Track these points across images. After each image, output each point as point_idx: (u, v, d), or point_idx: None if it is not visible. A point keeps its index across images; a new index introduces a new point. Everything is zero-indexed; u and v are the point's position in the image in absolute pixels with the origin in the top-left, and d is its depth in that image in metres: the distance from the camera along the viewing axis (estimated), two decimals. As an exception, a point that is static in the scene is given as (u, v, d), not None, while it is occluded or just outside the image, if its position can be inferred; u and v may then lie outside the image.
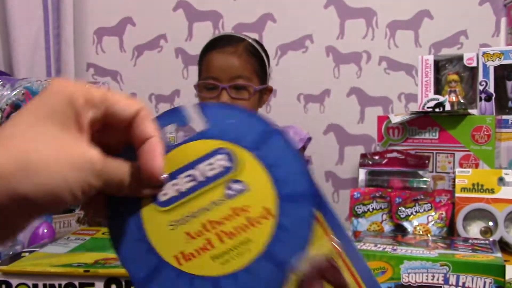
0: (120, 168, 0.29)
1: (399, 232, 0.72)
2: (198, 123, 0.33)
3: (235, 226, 0.31)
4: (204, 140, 0.33)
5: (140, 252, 0.32)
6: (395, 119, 0.87)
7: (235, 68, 1.16)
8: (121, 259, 0.32)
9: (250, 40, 1.24)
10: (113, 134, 0.31)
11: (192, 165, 0.32)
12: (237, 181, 0.32)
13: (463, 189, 0.72)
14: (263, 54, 1.24)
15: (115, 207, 0.32)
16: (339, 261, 0.31)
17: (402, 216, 0.72)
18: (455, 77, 1.01)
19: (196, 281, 0.31)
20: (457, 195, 0.72)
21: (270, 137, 0.32)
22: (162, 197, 0.32)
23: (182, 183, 0.32)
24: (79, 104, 0.28)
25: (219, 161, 0.32)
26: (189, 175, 0.32)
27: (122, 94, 0.30)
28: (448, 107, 0.98)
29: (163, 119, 0.33)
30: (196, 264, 0.31)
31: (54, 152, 0.26)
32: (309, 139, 1.36)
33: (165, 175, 0.31)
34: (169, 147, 0.32)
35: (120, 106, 0.30)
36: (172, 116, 0.33)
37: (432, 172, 0.85)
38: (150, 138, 0.30)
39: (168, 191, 0.32)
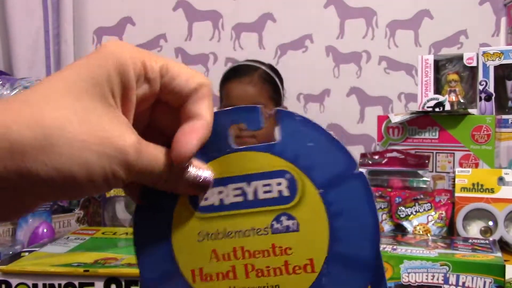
0: (157, 160, 0.24)
1: (399, 231, 0.72)
2: (271, 132, 0.28)
3: (268, 265, 0.27)
4: (271, 155, 0.28)
5: (159, 253, 0.29)
6: (395, 118, 0.87)
7: (251, 97, 1.31)
8: (137, 253, 0.29)
9: (264, 68, 1.39)
10: (169, 113, 0.26)
11: (247, 178, 0.28)
12: (290, 216, 0.27)
13: (463, 189, 0.72)
14: (277, 79, 1.40)
15: (149, 195, 0.28)
16: None
17: (402, 215, 0.72)
18: (455, 76, 1.01)
19: None
20: (457, 194, 0.72)
21: (349, 181, 0.27)
22: (202, 201, 0.28)
23: (229, 194, 0.28)
24: (131, 76, 0.23)
25: (279, 186, 0.27)
26: (239, 188, 0.28)
27: (184, 66, 0.26)
28: (448, 107, 0.98)
29: (236, 114, 0.28)
30: (211, 287, 0.28)
31: (83, 132, 0.22)
32: None
33: (209, 175, 0.27)
34: (229, 150, 0.28)
35: (181, 81, 0.25)
36: (247, 114, 0.28)
37: (432, 171, 0.85)
38: (196, 120, 0.25)
39: (211, 197, 0.28)
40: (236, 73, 1.39)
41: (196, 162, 0.27)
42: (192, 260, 0.28)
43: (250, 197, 0.28)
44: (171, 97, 0.25)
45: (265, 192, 0.27)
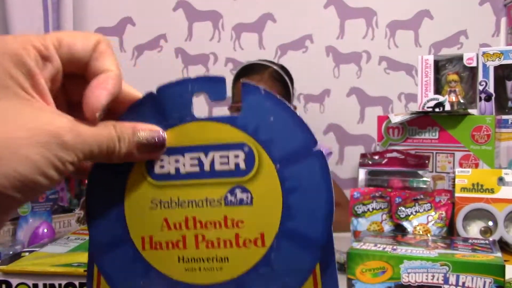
0: (100, 135, 0.24)
1: (399, 232, 0.72)
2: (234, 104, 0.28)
3: (218, 237, 0.27)
4: (232, 127, 0.27)
5: (110, 217, 0.28)
6: (395, 119, 0.87)
7: None
8: (88, 216, 0.29)
9: (275, 67, 1.44)
10: (84, 83, 0.25)
11: (205, 148, 0.27)
12: (244, 190, 0.27)
13: (463, 189, 0.72)
14: (287, 78, 1.45)
15: (101, 166, 0.28)
16: None
17: (402, 216, 0.72)
18: (455, 77, 1.01)
19: (151, 274, 0.28)
20: (457, 195, 0.72)
21: (306, 158, 0.27)
22: (157, 168, 0.28)
23: (186, 163, 0.28)
24: (29, 63, 0.22)
25: (236, 159, 0.27)
26: (196, 158, 0.27)
27: (76, 32, 0.25)
28: (448, 107, 0.98)
29: (200, 83, 0.27)
30: (160, 256, 0.28)
31: (12, 131, 0.21)
32: (330, 153, 1.45)
33: (162, 133, 0.27)
34: (190, 118, 0.27)
35: (77, 47, 0.24)
36: (209, 85, 0.27)
37: (432, 172, 0.86)
38: (102, 74, 0.25)
39: (167, 165, 0.28)
40: (247, 71, 1.43)
41: (146, 125, 0.27)
42: (143, 227, 0.28)
43: (207, 167, 0.27)
44: (76, 66, 0.25)
45: (222, 163, 0.27)
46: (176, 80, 0.28)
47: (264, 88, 0.27)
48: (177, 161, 0.28)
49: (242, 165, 0.27)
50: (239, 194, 0.27)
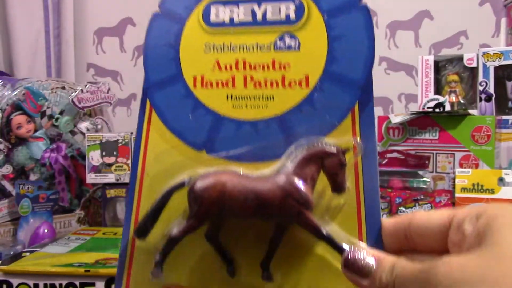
0: None
1: (399, 232, 0.72)
2: None
3: (266, 78, 0.30)
4: None
5: (166, 57, 0.31)
6: (395, 119, 0.87)
7: None
8: (145, 58, 0.32)
9: None
10: None
11: (258, 0, 0.31)
12: (293, 36, 0.30)
13: (463, 189, 0.72)
14: None
15: (161, 14, 0.32)
16: (351, 161, 0.28)
17: (402, 216, 0.73)
18: (455, 77, 1.01)
19: (200, 110, 0.30)
20: (457, 195, 0.72)
21: (352, 10, 0.30)
22: (213, 17, 0.31)
23: (240, 13, 0.31)
24: None
25: (287, 10, 0.30)
26: (250, 9, 0.30)
27: None
28: (448, 108, 0.98)
29: None
30: (209, 94, 0.30)
31: None
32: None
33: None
34: None
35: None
36: None
37: (432, 172, 0.86)
38: None
39: (222, 14, 0.31)
40: None
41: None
42: (196, 68, 0.31)
43: (259, 17, 0.30)
44: None
45: (274, 13, 0.30)
46: None
47: None
48: (231, 11, 0.31)
49: (292, 15, 0.30)
50: (288, 41, 0.30)
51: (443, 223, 0.26)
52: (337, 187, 0.28)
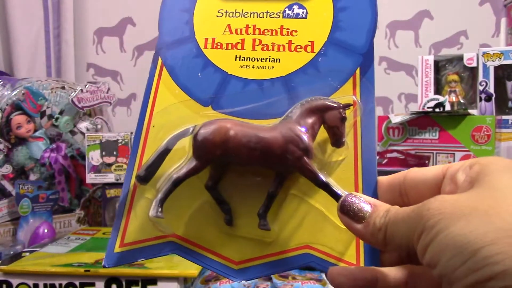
0: None
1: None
2: None
3: (273, 42, 0.32)
4: None
5: (180, 20, 0.33)
6: (395, 119, 0.87)
7: None
8: (160, 19, 0.34)
9: None
10: None
11: None
12: (301, 6, 0.32)
13: (463, 189, 0.72)
14: None
15: None
16: (350, 117, 0.30)
17: (402, 216, 0.73)
18: (455, 77, 1.01)
19: (209, 68, 0.32)
20: (457, 195, 0.72)
21: None
22: None
23: None
24: None
25: None
26: None
27: None
28: (448, 107, 0.98)
29: None
30: (219, 54, 0.33)
31: None
32: None
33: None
34: None
35: None
36: None
37: (432, 172, 0.85)
38: None
39: None
40: None
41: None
42: (207, 30, 0.33)
43: None
44: None
45: None
46: None
47: None
48: None
49: None
50: (296, 9, 0.32)
51: (437, 176, 0.26)
52: (337, 141, 0.30)
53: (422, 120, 0.87)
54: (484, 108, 0.95)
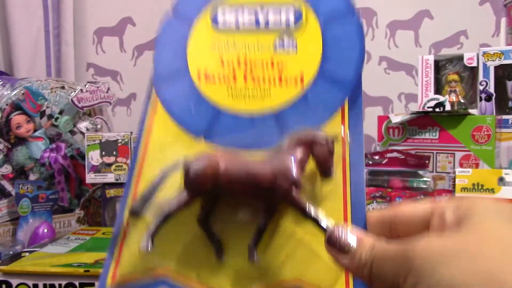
0: None
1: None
2: None
3: (264, 75, 0.33)
4: None
5: (175, 54, 0.34)
6: (395, 119, 0.87)
7: None
8: (155, 53, 0.35)
9: None
10: None
11: (262, 5, 0.34)
12: (291, 38, 0.33)
13: (463, 189, 0.72)
14: None
15: (171, 14, 0.36)
16: (339, 150, 0.30)
17: (402, 216, 0.72)
18: (455, 77, 1.01)
19: (201, 101, 0.33)
20: (457, 195, 0.72)
21: (345, 16, 0.33)
22: (220, 17, 0.34)
23: (244, 14, 0.34)
24: None
25: (288, 14, 0.34)
26: (254, 12, 0.34)
27: None
28: (448, 107, 0.98)
29: None
30: (211, 87, 0.33)
31: None
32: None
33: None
34: None
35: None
36: None
37: (432, 172, 0.85)
38: None
39: (227, 15, 0.34)
40: None
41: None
42: (200, 63, 0.34)
43: (261, 20, 0.34)
44: None
45: (275, 17, 0.34)
46: None
47: None
48: (237, 13, 0.34)
49: (292, 19, 0.33)
50: (286, 42, 0.33)
51: (426, 213, 0.26)
52: (325, 172, 0.30)
53: (422, 120, 0.86)
54: (484, 108, 0.95)
